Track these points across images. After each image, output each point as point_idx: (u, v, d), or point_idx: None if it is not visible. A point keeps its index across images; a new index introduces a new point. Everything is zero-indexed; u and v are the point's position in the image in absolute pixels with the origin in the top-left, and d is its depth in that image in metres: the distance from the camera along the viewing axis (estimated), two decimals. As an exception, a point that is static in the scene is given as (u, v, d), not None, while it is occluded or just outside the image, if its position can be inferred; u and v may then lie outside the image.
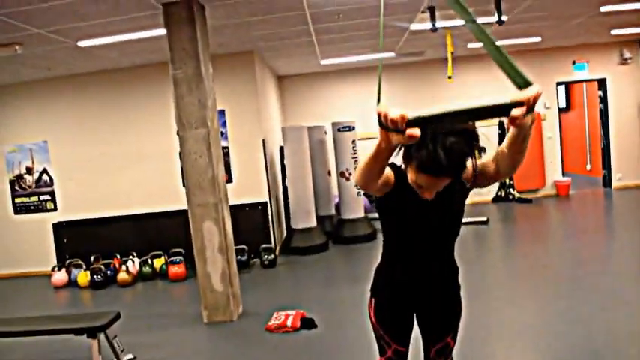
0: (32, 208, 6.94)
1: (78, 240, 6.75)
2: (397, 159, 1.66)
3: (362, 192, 6.68)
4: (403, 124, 1.10)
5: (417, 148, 1.54)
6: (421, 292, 1.96)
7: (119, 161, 6.81)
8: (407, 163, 1.66)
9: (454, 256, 2.00)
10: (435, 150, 1.48)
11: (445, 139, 1.48)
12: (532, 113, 1.19)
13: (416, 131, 1.11)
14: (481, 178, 1.71)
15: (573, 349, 3.25)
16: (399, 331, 2.03)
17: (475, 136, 1.54)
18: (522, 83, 1.18)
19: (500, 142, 9.01)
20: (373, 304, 2.05)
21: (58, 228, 6.81)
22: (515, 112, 1.12)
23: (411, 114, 1.11)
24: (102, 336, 3.49)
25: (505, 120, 1.15)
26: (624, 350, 3.18)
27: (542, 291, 4.48)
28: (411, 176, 1.67)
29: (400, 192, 1.73)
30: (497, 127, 9.06)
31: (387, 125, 1.14)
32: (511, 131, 1.42)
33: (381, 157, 1.37)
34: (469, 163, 1.59)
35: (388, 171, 1.68)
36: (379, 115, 1.14)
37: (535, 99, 1.13)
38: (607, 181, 9.39)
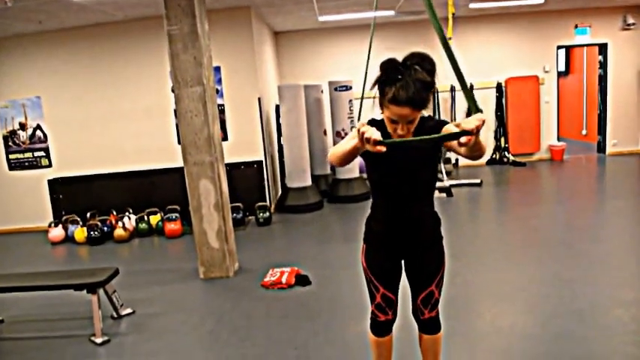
0: (27, 164, 6.92)
1: (73, 196, 6.77)
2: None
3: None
4: (374, 143, 1.54)
5: (390, 83, 1.80)
6: (404, 238, 2.10)
7: (114, 117, 6.75)
8: (382, 102, 1.87)
9: (434, 208, 2.16)
10: (405, 82, 1.77)
11: (413, 72, 1.78)
12: (478, 138, 1.58)
13: (382, 148, 1.55)
14: (454, 149, 1.88)
15: (558, 309, 3.36)
16: (386, 276, 2.17)
17: (434, 65, 1.83)
18: (473, 109, 1.53)
19: (498, 104, 9.00)
20: (364, 250, 2.23)
21: (54, 184, 6.81)
22: (463, 139, 1.49)
23: (379, 138, 1.54)
24: (101, 291, 3.57)
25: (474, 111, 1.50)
26: (609, 311, 3.28)
27: (532, 253, 4.59)
28: (386, 114, 1.89)
29: None
30: (494, 89, 9.01)
31: (362, 139, 1.57)
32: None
33: (356, 153, 1.80)
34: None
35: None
36: (358, 130, 1.57)
37: (480, 128, 1.47)
38: (602, 147, 9.43)
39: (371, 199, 2.20)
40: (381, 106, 1.90)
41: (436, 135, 1.57)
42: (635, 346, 2.83)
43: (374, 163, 2.05)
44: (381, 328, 2.26)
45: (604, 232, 5.12)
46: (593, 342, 2.92)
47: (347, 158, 1.86)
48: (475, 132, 1.46)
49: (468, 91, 1.56)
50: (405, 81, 1.77)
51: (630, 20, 8.72)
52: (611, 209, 6.03)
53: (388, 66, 1.83)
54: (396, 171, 2.00)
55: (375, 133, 1.54)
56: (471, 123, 1.46)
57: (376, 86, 1.88)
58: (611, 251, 4.50)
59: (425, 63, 1.81)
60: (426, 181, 2.09)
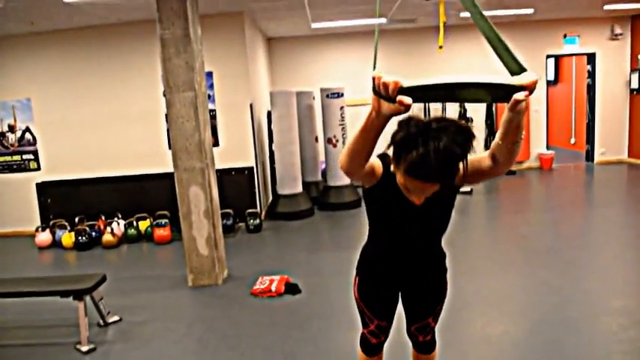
0: (15, 167, 6.83)
1: (62, 200, 6.69)
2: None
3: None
4: (395, 90, 1.09)
5: (406, 149, 1.44)
6: (405, 277, 1.96)
7: (104, 121, 6.70)
8: (396, 164, 1.54)
9: (441, 245, 1.98)
10: (426, 152, 1.39)
11: (437, 140, 1.38)
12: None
13: (407, 99, 1.09)
14: (475, 177, 1.64)
15: (547, 317, 3.37)
16: (382, 310, 2.06)
17: (470, 136, 1.44)
18: (517, 69, 1.19)
19: (488, 112, 9.05)
20: (357, 283, 2.06)
21: (42, 188, 6.74)
22: (520, 95, 1.13)
23: (406, 83, 1.10)
24: (88, 298, 3.52)
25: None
26: (597, 319, 3.30)
27: (521, 261, 4.60)
28: (399, 178, 1.59)
29: (387, 188, 1.68)
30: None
31: (379, 90, 1.13)
32: (505, 119, 1.36)
33: (370, 130, 1.29)
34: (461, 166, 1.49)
35: (376, 161, 1.66)
36: (373, 80, 1.13)
37: (535, 85, 1.15)
38: (590, 156, 9.53)
39: (368, 231, 1.96)
40: (395, 166, 1.56)
41: (488, 81, 1.14)
42: (623, 354, 2.84)
43: (382, 204, 1.78)
44: (372, 349, 2.19)
45: (593, 240, 5.16)
46: (582, 350, 2.92)
47: (359, 147, 1.38)
48: (532, 89, 1.15)
49: (506, 48, 1.22)
50: (427, 151, 1.38)
51: (618, 30, 8.83)
52: (599, 217, 6.07)
53: (407, 127, 1.44)
54: (405, 219, 1.76)
55: (395, 78, 1.11)
56: (525, 78, 1.16)
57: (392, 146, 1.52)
58: (599, 259, 4.52)
59: (458, 135, 1.40)
60: (439, 229, 1.88)
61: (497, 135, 1.46)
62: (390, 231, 1.84)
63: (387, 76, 1.11)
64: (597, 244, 5.00)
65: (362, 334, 2.19)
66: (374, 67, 1.23)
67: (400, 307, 2.13)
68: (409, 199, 1.70)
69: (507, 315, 3.52)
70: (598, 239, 5.18)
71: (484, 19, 1.22)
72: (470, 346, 3.13)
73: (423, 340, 2.17)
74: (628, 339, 3.01)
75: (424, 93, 1.12)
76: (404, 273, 1.94)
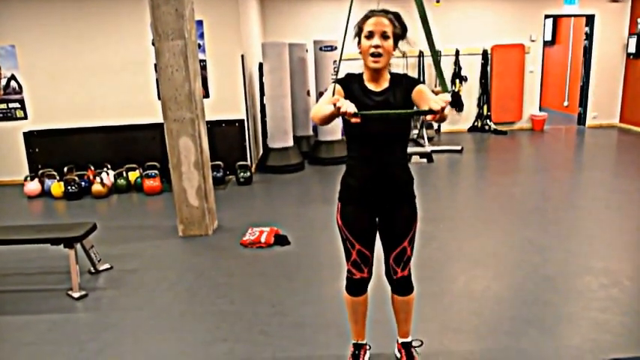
0: (1, 115, 6.70)
1: (50, 150, 6.62)
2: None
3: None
4: (350, 116, 1.71)
5: (365, 18, 2.05)
6: (379, 191, 2.14)
7: (92, 69, 6.54)
8: (361, 35, 2.06)
9: (408, 166, 2.22)
10: (377, 10, 2.03)
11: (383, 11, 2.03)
12: (443, 113, 1.69)
13: (358, 120, 1.72)
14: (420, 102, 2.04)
15: (530, 274, 3.47)
16: (361, 232, 2.21)
17: (402, 18, 2.07)
18: (444, 88, 1.84)
19: (483, 71, 8.96)
20: (339, 209, 2.26)
21: (29, 137, 6.64)
22: (429, 117, 1.71)
23: (358, 112, 1.72)
24: (79, 246, 3.55)
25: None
26: (578, 278, 3.40)
27: (507, 220, 4.68)
28: (363, 42, 2.05)
29: (351, 97, 2.06)
30: (480, 56, 8.97)
31: (338, 110, 1.73)
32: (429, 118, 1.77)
33: (334, 117, 1.88)
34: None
35: (339, 90, 2.10)
36: (334, 104, 1.73)
37: (444, 108, 1.65)
38: (582, 119, 9.55)
39: (346, 155, 2.25)
40: (359, 43, 2.08)
41: (406, 111, 1.88)
42: (601, 311, 2.94)
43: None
44: (357, 286, 2.30)
45: (579, 202, 5.24)
46: (562, 307, 3.02)
47: (327, 121, 1.94)
48: (440, 112, 1.65)
49: (440, 71, 1.82)
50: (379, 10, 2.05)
51: (619, -9, 8.68)
52: (587, 180, 6.15)
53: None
54: (372, 123, 2.06)
55: (350, 107, 1.69)
56: (438, 104, 1.65)
57: (357, 39, 2.09)
58: (584, 220, 4.61)
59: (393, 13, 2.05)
60: (400, 134, 2.15)
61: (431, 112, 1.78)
62: (357, 136, 2.15)
63: (344, 104, 1.70)
64: (583, 206, 5.08)
65: (347, 272, 2.31)
66: (336, 74, 2.16)
67: (379, 244, 2.23)
68: (369, 100, 2.09)
69: (491, 271, 3.60)
70: (584, 201, 5.26)
71: (431, 39, 1.76)
72: (452, 301, 3.21)
73: (401, 275, 2.27)
74: (607, 297, 3.11)
75: (371, 117, 1.85)
76: (376, 187, 2.14)
